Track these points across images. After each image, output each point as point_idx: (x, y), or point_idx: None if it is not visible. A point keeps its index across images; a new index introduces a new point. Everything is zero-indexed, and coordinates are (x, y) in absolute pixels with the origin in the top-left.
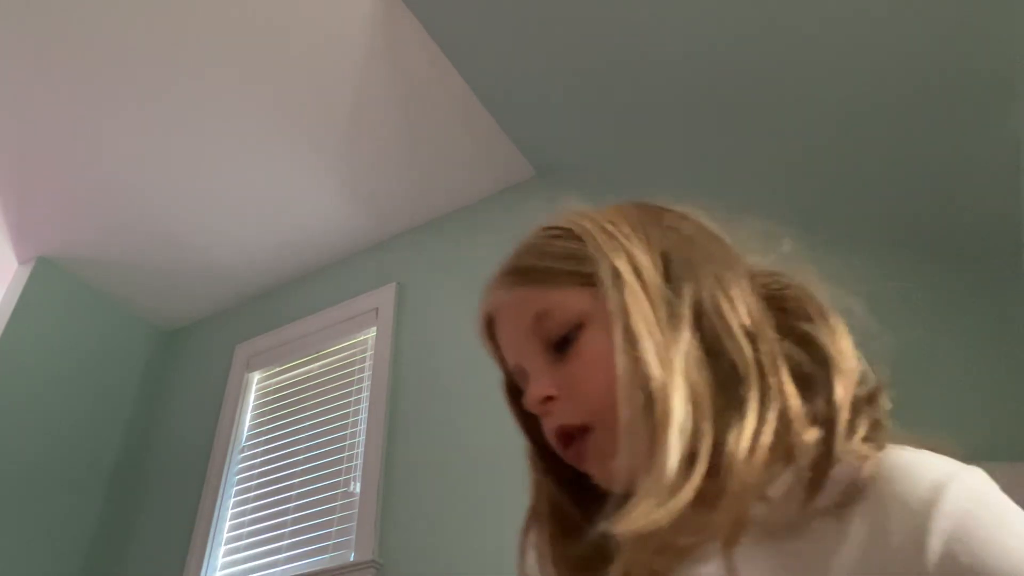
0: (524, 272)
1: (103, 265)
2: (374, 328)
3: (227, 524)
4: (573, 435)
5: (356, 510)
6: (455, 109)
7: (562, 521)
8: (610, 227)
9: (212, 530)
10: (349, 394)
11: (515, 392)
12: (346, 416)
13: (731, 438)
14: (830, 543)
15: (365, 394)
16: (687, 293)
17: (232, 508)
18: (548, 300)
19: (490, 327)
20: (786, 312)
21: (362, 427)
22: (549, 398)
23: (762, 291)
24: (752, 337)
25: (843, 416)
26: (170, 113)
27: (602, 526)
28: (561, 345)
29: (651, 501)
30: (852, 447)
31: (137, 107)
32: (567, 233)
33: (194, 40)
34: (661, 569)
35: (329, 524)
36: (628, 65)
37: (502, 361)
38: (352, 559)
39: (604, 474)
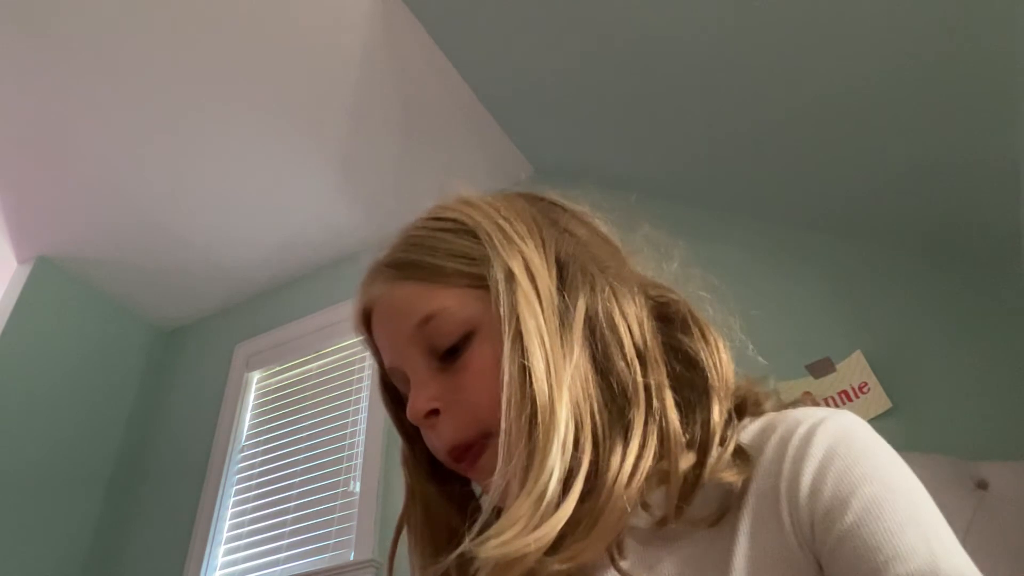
0: (410, 266)
1: (103, 265)
2: None
3: (227, 523)
4: (464, 452)
5: (356, 509)
6: (455, 109)
7: (438, 530)
8: (505, 225)
9: (212, 529)
10: (349, 393)
11: (390, 388)
12: (346, 415)
13: (613, 461)
14: (726, 540)
15: (365, 393)
16: (580, 305)
17: (232, 507)
18: (435, 303)
19: (367, 319)
20: (669, 324)
21: (362, 426)
22: (434, 411)
23: (649, 302)
24: (642, 358)
25: (716, 439)
26: (170, 113)
27: (465, 545)
28: (447, 354)
29: (521, 524)
30: (720, 471)
31: (138, 108)
32: (459, 227)
33: (194, 40)
34: None
35: (329, 523)
36: (628, 65)
37: (378, 356)
38: (352, 558)
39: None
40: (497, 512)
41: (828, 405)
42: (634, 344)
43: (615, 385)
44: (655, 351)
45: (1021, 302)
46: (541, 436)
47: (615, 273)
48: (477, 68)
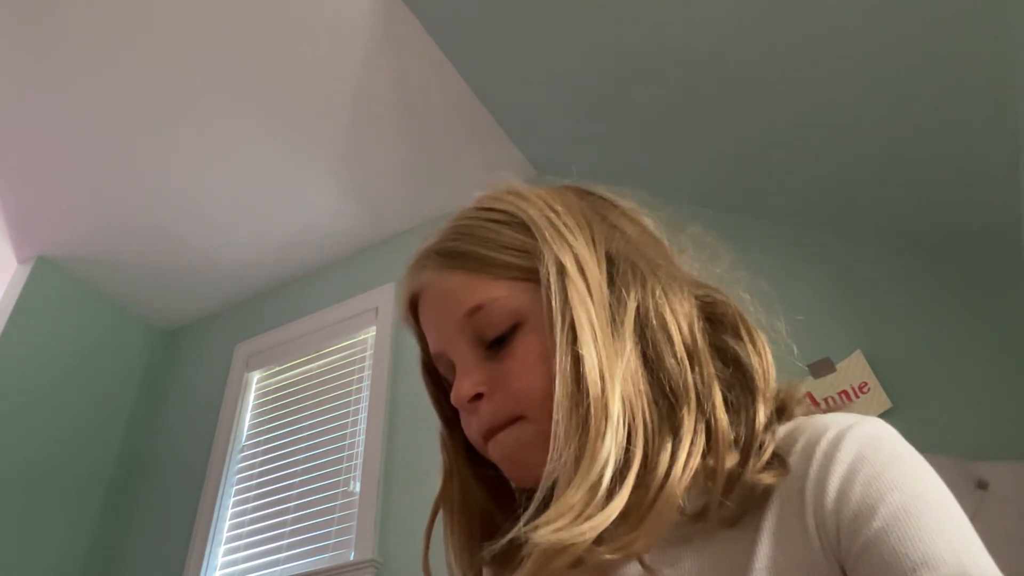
0: (461, 256)
1: (103, 265)
2: (374, 328)
3: (227, 523)
4: (501, 429)
5: (356, 509)
6: (455, 109)
7: (474, 512)
8: (555, 218)
9: (212, 529)
10: (349, 393)
11: (431, 372)
12: (346, 415)
13: (663, 458)
14: (748, 541)
15: (365, 393)
16: (631, 301)
17: (232, 507)
18: (485, 294)
19: (414, 304)
20: (717, 325)
21: (362, 426)
22: (478, 395)
23: (697, 302)
24: (691, 356)
25: (759, 441)
26: (170, 113)
27: (518, 530)
28: (493, 344)
29: (574, 512)
30: (758, 472)
31: (137, 107)
32: (511, 219)
33: (194, 40)
34: None
35: (329, 523)
36: (628, 65)
37: (423, 341)
38: (352, 558)
39: (523, 471)
40: (545, 500)
41: (828, 405)
42: (684, 342)
43: (665, 382)
44: (704, 350)
45: (1021, 302)
46: (594, 427)
47: (665, 271)
48: (477, 68)
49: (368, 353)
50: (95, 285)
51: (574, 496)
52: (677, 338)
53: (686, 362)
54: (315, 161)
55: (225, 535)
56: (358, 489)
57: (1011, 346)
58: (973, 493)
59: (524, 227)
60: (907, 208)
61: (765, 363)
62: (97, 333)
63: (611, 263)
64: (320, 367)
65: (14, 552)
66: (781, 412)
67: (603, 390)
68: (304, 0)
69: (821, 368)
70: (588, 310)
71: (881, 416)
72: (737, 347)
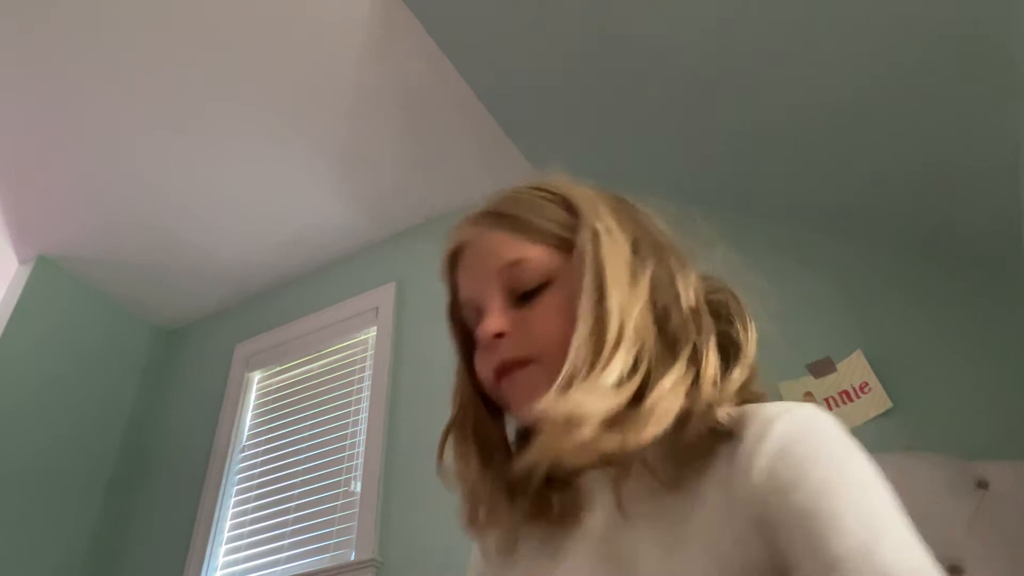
0: (508, 218)
1: (103, 264)
2: (374, 328)
3: (228, 523)
4: (510, 369)
5: (356, 509)
6: (455, 108)
7: (483, 433)
8: (594, 202)
9: (212, 529)
10: (349, 394)
11: (456, 320)
12: (346, 416)
13: (660, 377)
14: (694, 500)
15: (365, 394)
16: (648, 269)
17: (232, 507)
18: (525, 251)
19: (454, 257)
20: (714, 314)
21: (362, 426)
22: (500, 334)
23: (702, 284)
24: (694, 316)
25: (727, 394)
26: (170, 113)
27: (537, 406)
28: (524, 296)
29: (592, 395)
30: (713, 421)
31: (137, 107)
32: (556, 199)
33: (194, 40)
34: (569, 462)
35: (329, 523)
36: (629, 65)
37: (454, 289)
38: (352, 558)
39: (527, 407)
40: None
41: (829, 405)
42: (688, 305)
43: (669, 331)
44: (703, 314)
45: (1021, 302)
46: (610, 341)
47: (676, 256)
48: (477, 68)
49: (368, 353)
50: (95, 285)
51: (592, 384)
52: (684, 301)
53: (689, 320)
54: (315, 161)
55: (226, 535)
56: (359, 489)
57: (1012, 346)
58: (973, 493)
59: (567, 205)
60: (908, 208)
61: (750, 338)
62: (97, 333)
63: (635, 244)
64: (320, 367)
65: (14, 552)
66: (747, 386)
67: (622, 320)
68: (304, 1)
69: (822, 368)
70: (615, 264)
71: (881, 416)
72: (730, 330)
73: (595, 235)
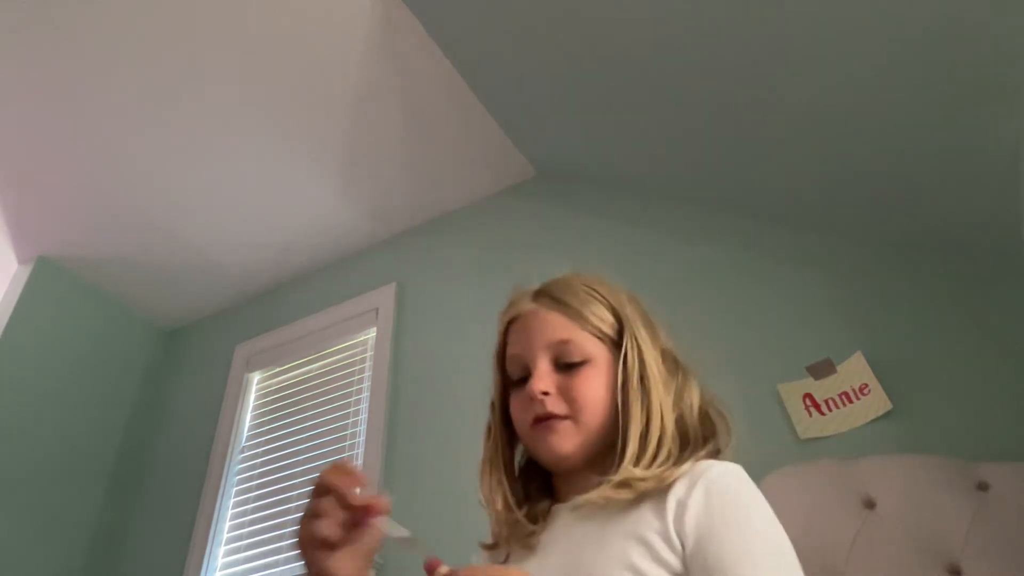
0: (566, 306)
1: (103, 265)
2: (374, 328)
3: (227, 524)
4: (548, 419)
5: None
6: (455, 109)
7: (508, 471)
8: (634, 315)
9: (212, 530)
10: (349, 394)
11: (501, 361)
12: (346, 416)
13: (680, 463)
14: (626, 521)
15: (365, 394)
16: (674, 383)
17: (232, 508)
18: (575, 334)
19: (514, 317)
20: (704, 408)
21: (362, 427)
22: (546, 393)
23: (699, 401)
24: (699, 416)
25: (683, 468)
26: (170, 113)
27: (611, 477)
28: (566, 367)
29: (644, 470)
30: (671, 477)
31: (137, 107)
32: (605, 303)
33: (194, 40)
34: (597, 501)
35: None
36: (629, 65)
37: (504, 342)
38: None
39: (556, 453)
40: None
41: (829, 406)
42: (693, 411)
43: (684, 433)
44: (706, 421)
45: (1021, 302)
46: (655, 429)
47: (685, 373)
48: (477, 68)
49: (368, 354)
50: (95, 285)
51: (645, 461)
52: (693, 408)
53: (696, 419)
54: (315, 161)
55: (226, 536)
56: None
57: (1011, 347)
58: (973, 494)
59: (613, 312)
60: (908, 208)
61: (731, 443)
62: (97, 333)
63: (663, 355)
64: (320, 368)
65: (14, 552)
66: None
67: (663, 415)
68: (304, 1)
69: (822, 369)
70: (652, 369)
71: (881, 417)
72: (709, 430)
73: (636, 343)
